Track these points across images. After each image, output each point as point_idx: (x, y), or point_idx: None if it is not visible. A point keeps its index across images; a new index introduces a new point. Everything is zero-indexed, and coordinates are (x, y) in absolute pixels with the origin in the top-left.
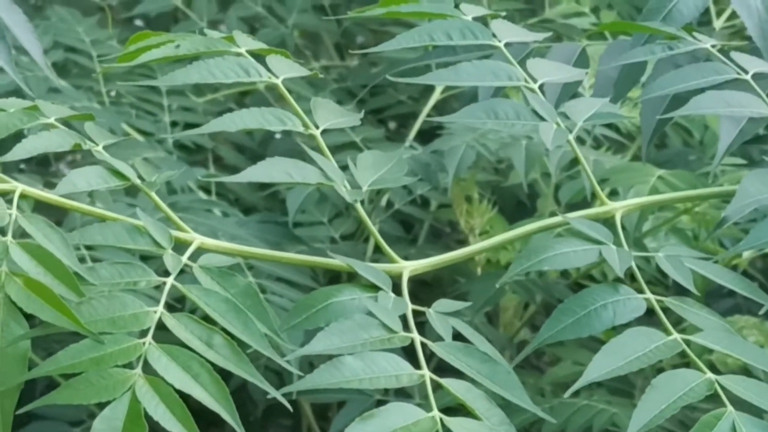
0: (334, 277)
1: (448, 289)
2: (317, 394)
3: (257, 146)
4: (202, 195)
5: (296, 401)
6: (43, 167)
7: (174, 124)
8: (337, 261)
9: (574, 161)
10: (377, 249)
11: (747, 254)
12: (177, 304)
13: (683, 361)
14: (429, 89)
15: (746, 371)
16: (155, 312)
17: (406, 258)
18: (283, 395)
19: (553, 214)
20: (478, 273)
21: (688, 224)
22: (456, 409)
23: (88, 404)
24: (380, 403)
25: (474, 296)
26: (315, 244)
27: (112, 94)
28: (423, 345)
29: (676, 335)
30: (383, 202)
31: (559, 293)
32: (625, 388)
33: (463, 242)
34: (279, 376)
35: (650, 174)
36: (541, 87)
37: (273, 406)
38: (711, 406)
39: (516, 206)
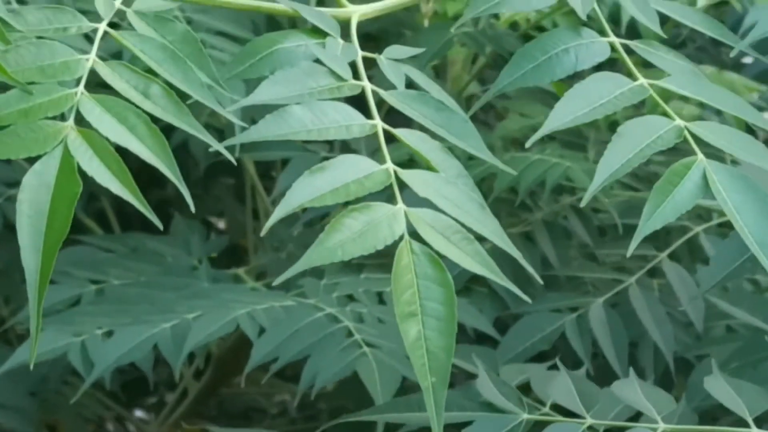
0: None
1: (393, 42)
2: (260, 151)
3: None
4: None
5: (239, 161)
6: None
7: None
8: (281, 6)
9: None
10: (320, 2)
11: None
12: None
13: None
14: None
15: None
16: (87, 60)
17: None
18: (227, 153)
19: None
20: (425, 24)
21: None
22: (410, 163)
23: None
24: (325, 159)
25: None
26: None
27: None
28: (374, 94)
29: (642, 80)
30: None
31: (510, 45)
32: (578, 141)
33: None
34: (220, 134)
35: None
36: None
37: (215, 165)
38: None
39: None
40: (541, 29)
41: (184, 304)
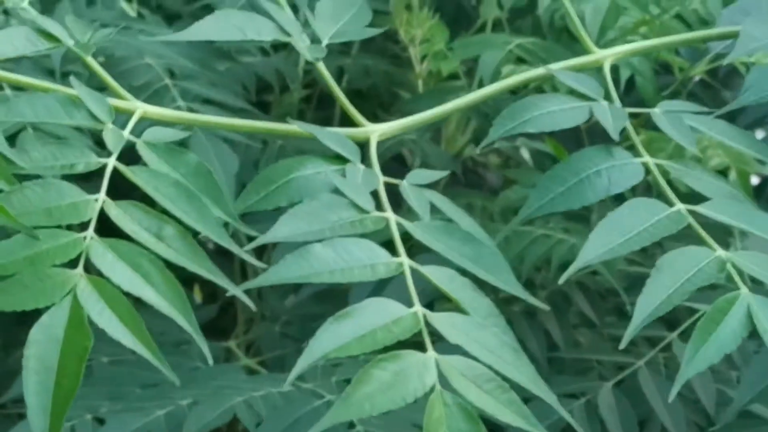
0: (264, 88)
1: (386, 101)
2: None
3: None
4: (123, 3)
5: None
6: None
7: None
8: (294, 127)
9: None
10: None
11: (702, 65)
12: None
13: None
14: None
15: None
16: (96, 200)
17: (341, 69)
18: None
19: (497, 22)
20: (419, 85)
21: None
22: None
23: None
24: None
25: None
26: (244, 59)
27: None
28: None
29: (679, 206)
30: None
31: (505, 106)
32: (582, 212)
33: (403, 48)
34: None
35: None
36: None
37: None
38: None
39: (457, 12)
40: (540, 91)
41: (178, 391)
